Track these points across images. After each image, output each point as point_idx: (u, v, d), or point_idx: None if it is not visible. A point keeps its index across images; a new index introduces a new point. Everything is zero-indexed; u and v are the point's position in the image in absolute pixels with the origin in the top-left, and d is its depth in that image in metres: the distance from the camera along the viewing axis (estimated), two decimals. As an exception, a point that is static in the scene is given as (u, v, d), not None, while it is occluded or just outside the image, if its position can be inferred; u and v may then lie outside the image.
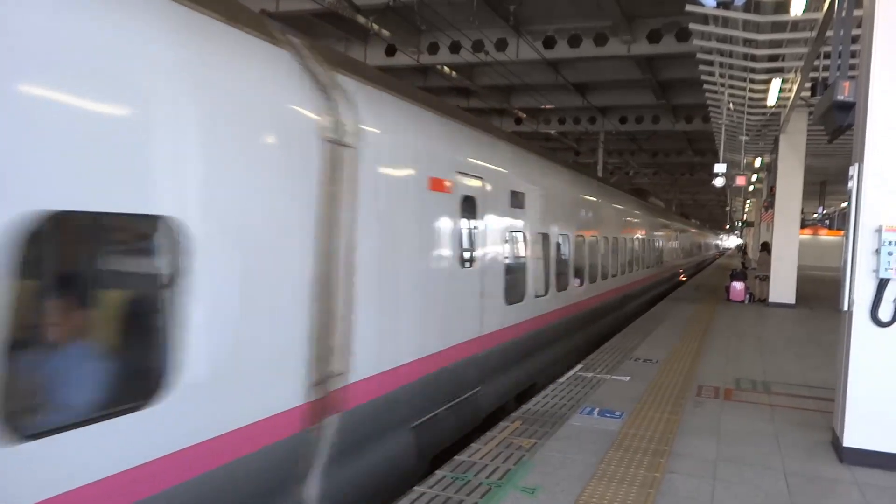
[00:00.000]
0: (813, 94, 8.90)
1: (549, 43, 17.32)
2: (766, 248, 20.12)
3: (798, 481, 4.91)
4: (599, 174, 26.61)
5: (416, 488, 4.51)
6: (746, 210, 46.95)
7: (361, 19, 15.12)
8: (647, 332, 11.76)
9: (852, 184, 5.35)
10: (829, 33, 8.04)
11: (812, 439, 5.92)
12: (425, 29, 15.94)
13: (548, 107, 25.53)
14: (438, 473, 4.79)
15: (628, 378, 7.99)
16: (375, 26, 15.89)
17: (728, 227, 78.33)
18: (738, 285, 18.11)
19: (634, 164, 38.71)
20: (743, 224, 48.56)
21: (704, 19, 11.22)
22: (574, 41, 17.21)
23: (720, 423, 6.31)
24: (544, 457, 5.18)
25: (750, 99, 14.90)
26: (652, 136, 31.33)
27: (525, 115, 26.71)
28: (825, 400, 7.02)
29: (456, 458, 5.13)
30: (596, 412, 6.46)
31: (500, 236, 7.11)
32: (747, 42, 11.56)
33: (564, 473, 4.85)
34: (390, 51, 18.28)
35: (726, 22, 11.00)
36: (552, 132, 29.65)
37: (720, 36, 11.62)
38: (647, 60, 19.77)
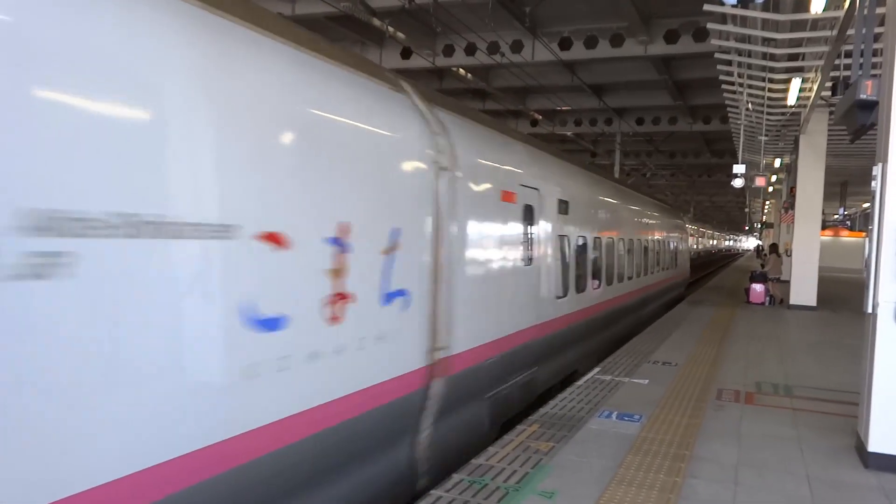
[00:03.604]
0: (834, 94, 8.77)
1: (564, 44, 17.25)
2: (774, 249, 19.81)
3: (822, 487, 4.82)
4: (616, 176, 26.44)
5: (432, 492, 4.49)
6: (766, 211, 46.49)
7: (377, 22, 15.16)
8: (666, 335, 11.65)
9: (876, 184, 5.25)
10: (851, 31, 7.92)
11: (836, 444, 5.82)
12: (441, 31, 15.93)
13: (564, 108, 25.45)
14: (455, 477, 4.76)
15: (647, 381, 7.92)
16: (391, 29, 15.92)
17: (747, 228, 77.65)
18: (757, 287, 17.88)
19: (651, 166, 38.46)
20: (762, 225, 48.07)
21: (722, 18, 11.11)
22: (590, 42, 17.12)
23: (741, 427, 6.22)
24: (562, 461, 5.14)
25: (769, 99, 14.74)
26: (669, 138, 31.10)
27: (541, 117, 26.63)
28: (849, 404, 6.91)
29: (473, 461, 5.10)
30: (614, 416, 6.40)
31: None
32: (766, 41, 11.43)
33: (583, 477, 4.80)
34: (406, 53, 18.29)
35: (745, 21, 10.88)
36: (568, 134, 29.53)
37: (739, 35, 11.50)
38: (663, 61, 19.63)
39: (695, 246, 77.63)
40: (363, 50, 18.79)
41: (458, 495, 4.43)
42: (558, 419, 6.24)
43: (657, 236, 17.02)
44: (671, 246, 19.74)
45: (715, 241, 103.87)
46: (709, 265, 55.67)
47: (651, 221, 16.18)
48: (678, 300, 20.66)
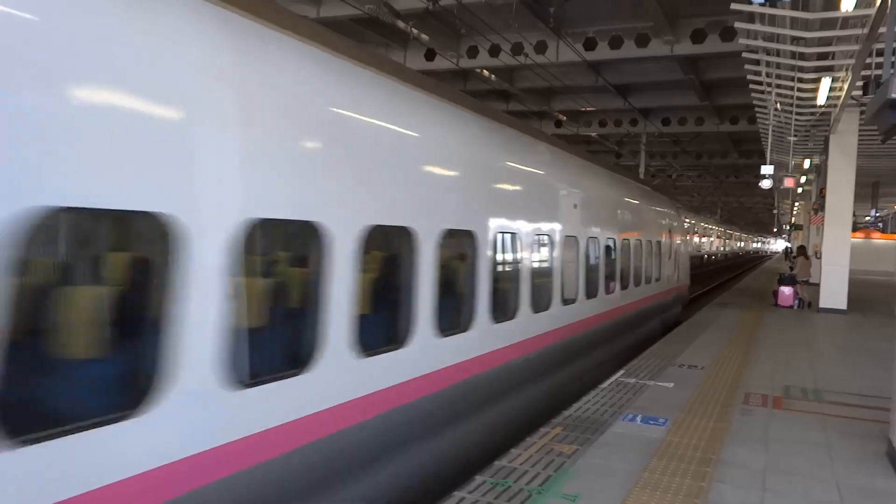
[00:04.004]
0: (865, 93, 8.64)
1: (589, 45, 17.17)
2: (802, 251, 19.65)
3: (852, 494, 4.72)
4: (641, 177, 26.17)
5: (455, 493, 4.49)
6: (795, 213, 45.77)
7: (401, 24, 15.22)
8: (692, 338, 11.52)
9: (909, 185, 5.14)
10: (883, 29, 7.77)
11: (866, 450, 5.70)
12: (465, 33, 15.96)
13: (589, 109, 25.33)
14: (478, 479, 4.75)
15: (672, 384, 7.83)
16: (415, 31, 15.98)
17: (775, 230, 76.61)
18: (786, 290, 17.64)
19: (677, 167, 38.09)
20: (791, 227, 47.39)
21: (750, 17, 10.98)
22: (615, 42, 17.03)
23: (769, 432, 6.13)
24: (586, 464, 5.10)
25: (798, 99, 14.51)
26: (695, 139, 30.79)
27: (565, 118, 26.53)
28: (880, 409, 6.77)
29: (496, 463, 5.08)
30: (639, 419, 6.34)
31: None
32: (795, 40, 11.25)
33: (606, 481, 4.76)
34: (430, 55, 18.34)
35: (773, 20, 10.73)
36: (593, 135, 29.38)
37: (767, 34, 11.34)
38: (690, 61, 19.45)
39: (722, 248, 76.99)
40: (387, 52, 18.86)
41: (480, 497, 4.42)
42: (581, 422, 6.20)
43: (608, 234, 10.09)
44: (648, 247, 12.79)
45: (742, 244, 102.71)
46: (736, 267, 55.11)
47: (578, 200, 8.65)
48: (668, 329, 14.34)
